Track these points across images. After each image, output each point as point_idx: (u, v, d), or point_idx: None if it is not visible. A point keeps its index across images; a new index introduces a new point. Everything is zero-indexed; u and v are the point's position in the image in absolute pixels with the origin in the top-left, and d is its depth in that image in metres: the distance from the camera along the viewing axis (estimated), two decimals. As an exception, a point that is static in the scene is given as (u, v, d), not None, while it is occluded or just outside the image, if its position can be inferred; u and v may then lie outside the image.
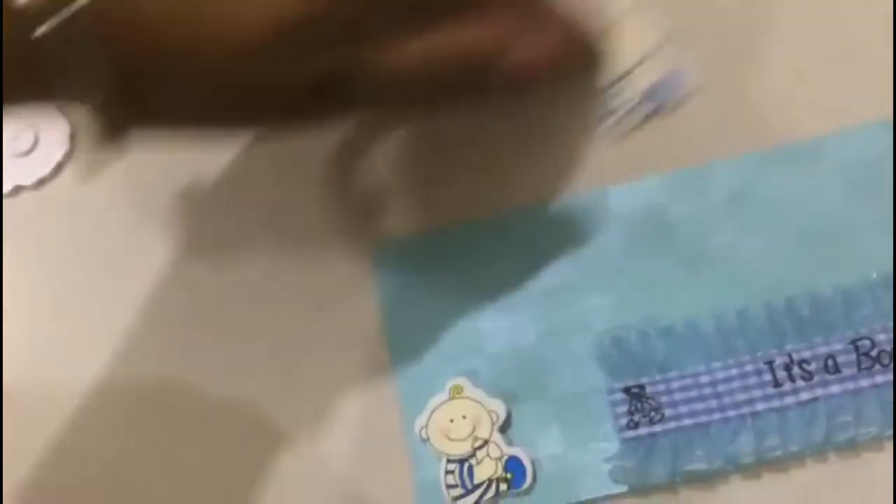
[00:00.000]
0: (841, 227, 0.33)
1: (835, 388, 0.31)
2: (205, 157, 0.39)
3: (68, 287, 0.39)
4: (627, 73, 0.33)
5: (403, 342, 0.36)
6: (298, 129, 0.31)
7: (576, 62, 0.32)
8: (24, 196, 0.41)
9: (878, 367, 0.31)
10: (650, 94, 0.33)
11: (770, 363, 0.32)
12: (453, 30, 0.28)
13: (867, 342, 0.31)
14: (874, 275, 0.32)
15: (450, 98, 0.30)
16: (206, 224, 0.39)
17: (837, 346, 0.32)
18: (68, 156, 0.41)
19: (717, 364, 0.32)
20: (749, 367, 0.32)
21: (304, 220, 0.38)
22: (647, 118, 0.34)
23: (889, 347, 0.31)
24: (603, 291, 0.34)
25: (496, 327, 0.35)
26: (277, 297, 0.37)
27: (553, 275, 0.35)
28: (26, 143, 0.42)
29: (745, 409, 0.32)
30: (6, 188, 0.41)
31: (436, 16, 0.28)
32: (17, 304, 0.39)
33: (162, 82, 0.27)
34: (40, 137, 0.42)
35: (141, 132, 0.28)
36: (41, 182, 0.41)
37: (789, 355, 0.32)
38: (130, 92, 0.27)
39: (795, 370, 0.32)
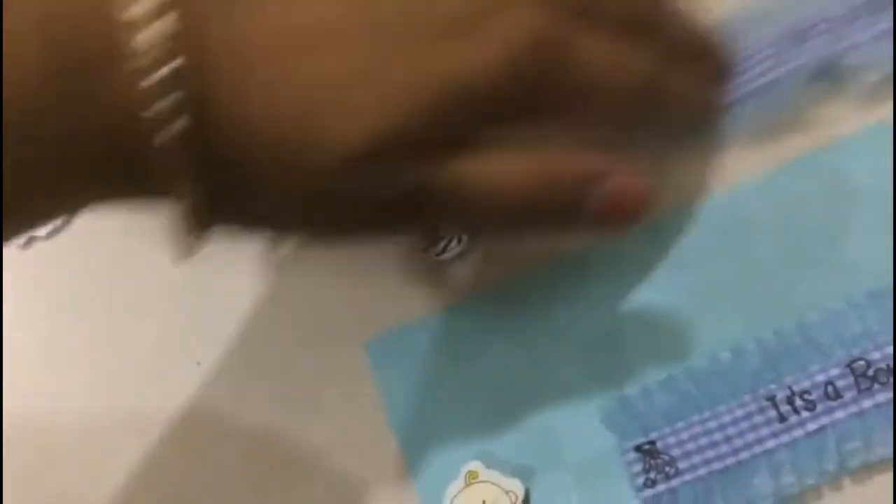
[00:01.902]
0: (815, 249, 0.34)
1: (839, 414, 0.32)
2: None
3: (80, 337, 0.40)
4: None
5: (411, 433, 0.36)
6: (371, 241, 0.31)
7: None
8: (37, 247, 0.42)
9: (877, 386, 0.32)
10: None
11: (772, 399, 0.32)
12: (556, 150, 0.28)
13: (862, 363, 0.32)
14: (858, 294, 0.33)
15: (538, 226, 0.30)
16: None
17: (834, 372, 0.32)
18: None
19: (721, 408, 0.33)
20: (752, 406, 0.32)
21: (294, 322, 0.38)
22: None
23: (885, 364, 0.32)
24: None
25: (501, 403, 0.35)
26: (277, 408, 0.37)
27: (547, 344, 0.35)
28: None
29: (757, 449, 0.32)
30: (21, 239, 0.41)
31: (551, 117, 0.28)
32: (29, 354, 0.41)
33: (248, 188, 0.26)
34: None
35: (223, 229, 0.28)
36: (54, 232, 0.42)
37: (789, 388, 0.32)
38: (220, 193, 0.26)
39: (798, 402, 0.32)
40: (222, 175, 0.26)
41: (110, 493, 0.38)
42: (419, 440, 0.35)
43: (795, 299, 0.33)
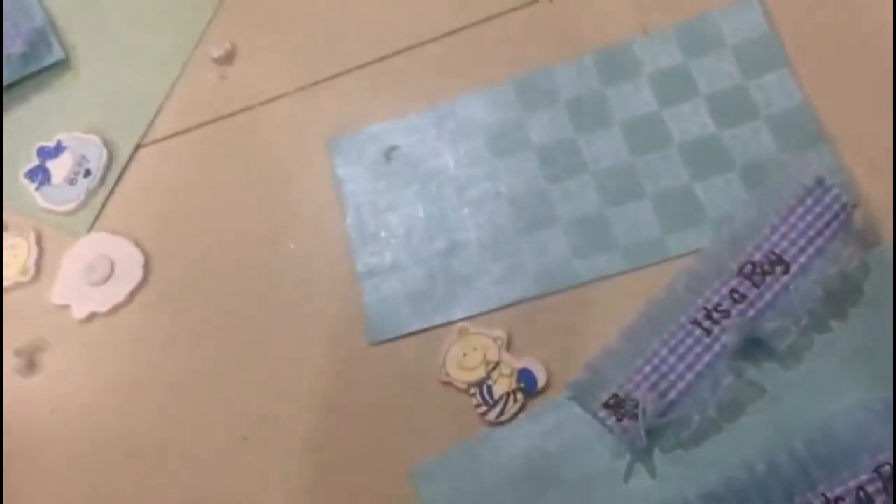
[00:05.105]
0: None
1: (873, 520, 0.33)
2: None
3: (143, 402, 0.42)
4: (487, 377, 0.39)
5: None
6: None
7: None
8: (98, 322, 0.44)
9: (905, 489, 0.33)
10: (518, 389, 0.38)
11: (809, 507, 0.34)
12: None
13: (888, 468, 0.34)
14: (876, 402, 0.35)
15: None
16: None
17: (864, 478, 0.34)
18: (142, 284, 0.44)
19: (762, 519, 0.34)
20: (790, 516, 0.34)
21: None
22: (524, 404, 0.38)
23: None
24: (638, 470, 0.36)
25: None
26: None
27: (586, 461, 0.37)
28: (103, 273, 0.44)
29: (797, 558, 0.33)
30: (81, 314, 0.44)
31: None
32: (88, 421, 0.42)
33: None
34: (116, 268, 0.45)
35: None
36: (115, 308, 0.44)
37: (824, 496, 0.33)
38: None
39: (834, 510, 0.34)
40: None
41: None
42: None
43: (821, 410, 0.36)
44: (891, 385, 0.35)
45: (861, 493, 0.34)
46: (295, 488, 0.39)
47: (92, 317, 0.44)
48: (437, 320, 0.40)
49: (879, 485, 0.34)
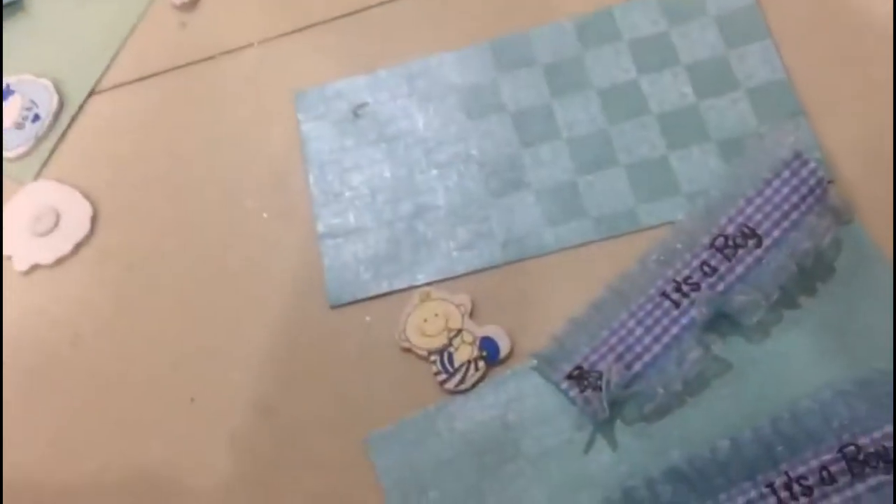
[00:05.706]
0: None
1: (836, 499, 0.33)
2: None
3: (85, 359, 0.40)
4: (448, 344, 0.37)
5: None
6: None
7: None
8: (40, 274, 0.42)
9: (868, 470, 0.33)
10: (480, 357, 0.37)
11: (771, 485, 0.33)
12: None
13: (853, 448, 0.33)
14: (845, 382, 0.35)
15: None
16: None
17: (827, 457, 0.33)
18: (89, 237, 0.42)
19: (723, 496, 0.33)
20: (753, 494, 0.33)
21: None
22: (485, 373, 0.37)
23: (873, 449, 0.33)
24: (599, 442, 0.36)
25: (502, 498, 0.35)
26: None
27: (547, 433, 0.36)
28: (48, 223, 0.42)
29: (760, 536, 0.33)
30: (23, 266, 0.42)
31: None
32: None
33: None
34: (62, 218, 0.43)
35: None
36: (60, 261, 0.42)
37: (786, 474, 0.33)
38: None
39: (796, 488, 0.33)
40: None
41: None
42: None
43: (787, 388, 0.35)
44: (857, 363, 0.35)
45: (824, 473, 0.33)
46: (244, 453, 0.37)
47: (34, 268, 0.42)
48: (399, 284, 0.39)
49: (843, 465, 0.33)
